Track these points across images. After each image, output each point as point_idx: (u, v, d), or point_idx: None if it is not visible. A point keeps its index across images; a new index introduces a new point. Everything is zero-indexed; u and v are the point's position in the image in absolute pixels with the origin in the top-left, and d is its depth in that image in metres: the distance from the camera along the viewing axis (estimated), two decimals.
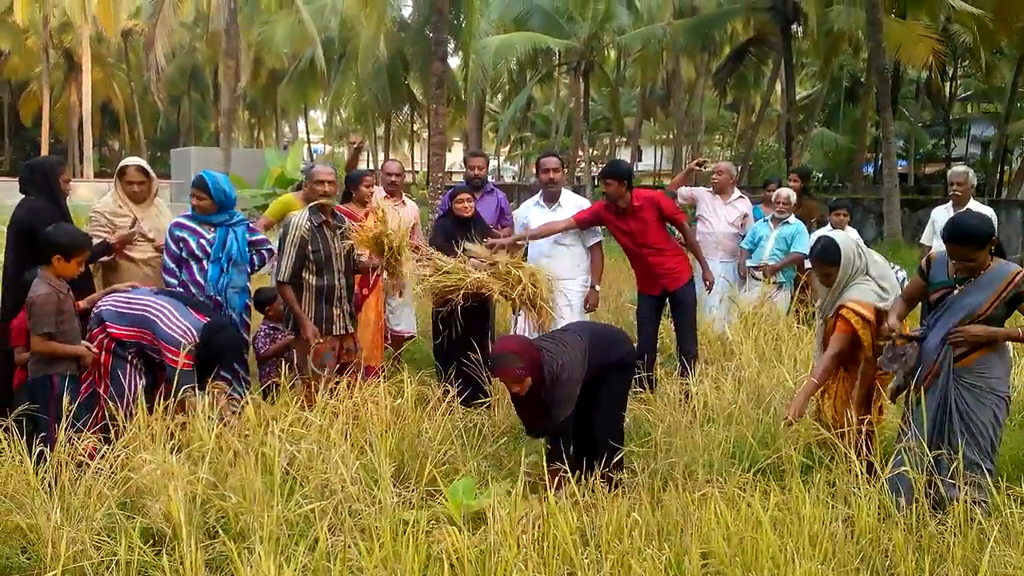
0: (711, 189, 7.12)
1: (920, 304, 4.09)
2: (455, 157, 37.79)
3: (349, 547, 2.94)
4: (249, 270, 5.00)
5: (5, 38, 32.04)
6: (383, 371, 5.30)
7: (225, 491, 3.29)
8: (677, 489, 3.36)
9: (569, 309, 5.58)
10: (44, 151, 30.71)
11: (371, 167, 30.71)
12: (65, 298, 3.90)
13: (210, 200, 4.76)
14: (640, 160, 40.40)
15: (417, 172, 36.90)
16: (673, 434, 4.09)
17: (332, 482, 3.39)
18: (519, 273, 4.98)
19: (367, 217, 5.18)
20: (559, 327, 4.51)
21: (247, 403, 3.90)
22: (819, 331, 4.22)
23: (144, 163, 4.89)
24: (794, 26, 21.32)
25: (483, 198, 6.20)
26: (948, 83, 29.84)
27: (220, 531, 3.13)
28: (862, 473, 3.27)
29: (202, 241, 4.74)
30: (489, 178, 7.00)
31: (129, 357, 4.11)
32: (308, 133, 42.40)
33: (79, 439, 3.53)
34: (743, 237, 7.05)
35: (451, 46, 23.90)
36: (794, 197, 7.09)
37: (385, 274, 5.15)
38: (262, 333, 5.34)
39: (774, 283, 6.77)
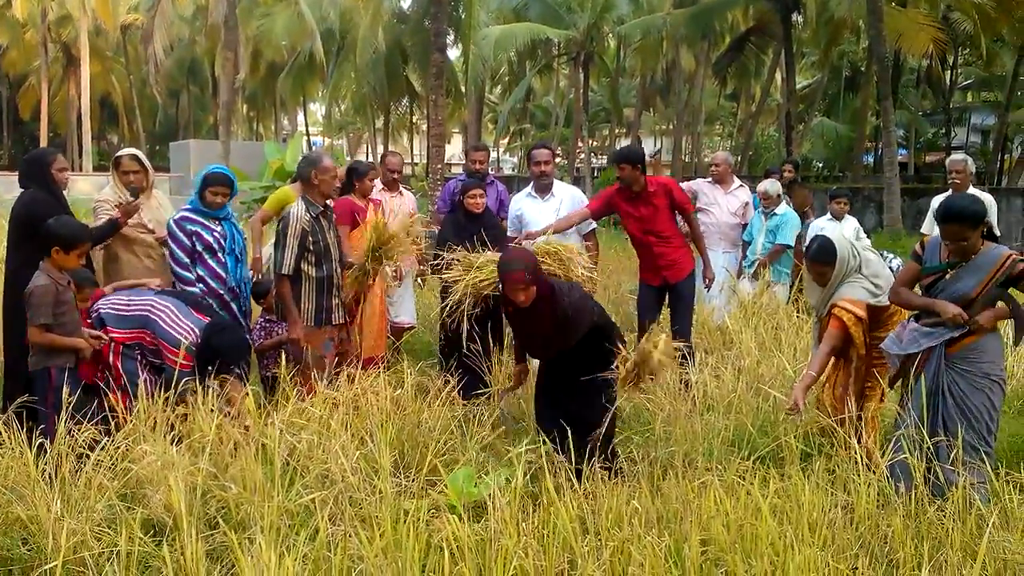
0: (710, 180, 7.11)
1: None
2: (454, 149, 37.73)
3: (350, 536, 2.94)
4: None
5: (4, 32, 32.00)
6: (384, 361, 5.30)
7: (225, 482, 3.29)
8: (677, 477, 3.36)
9: None
10: (43, 145, 30.64)
11: (370, 159, 30.69)
12: (65, 290, 3.89)
13: (229, 196, 4.80)
14: None
15: (416, 164, 36.86)
16: (673, 423, 4.09)
17: (332, 472, 3.40)
18: (547, 249, 4.84)
19: (368, 207, 5.18)
20: None
21: (247, 394, 3.90)
22: (815, 328, 4.27)
23: (139, 152, 4.89)
24: (794, 15, 21.28)
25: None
26: (948, 72, 29.78)
27: (221, 521, 3.13)
28: (861, 460, 3.27)
29: (215, 234, 4.75)
30: (489, 170, 6.99)
31: (138, 357, 4.11)
32: (307, 126, 42.37)
33: (79, 431, 3.53)
34: (745, 227, 7.06)
35: (450, 37, 23.82)
36: (774, 189, 7.05)
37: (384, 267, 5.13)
38: (258, 326, 5.34)
39: (769, 282, 6.78)
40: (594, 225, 5.80)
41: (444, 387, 4.41)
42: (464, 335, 4.92)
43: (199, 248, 4.71)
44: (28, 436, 3.49)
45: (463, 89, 26.79)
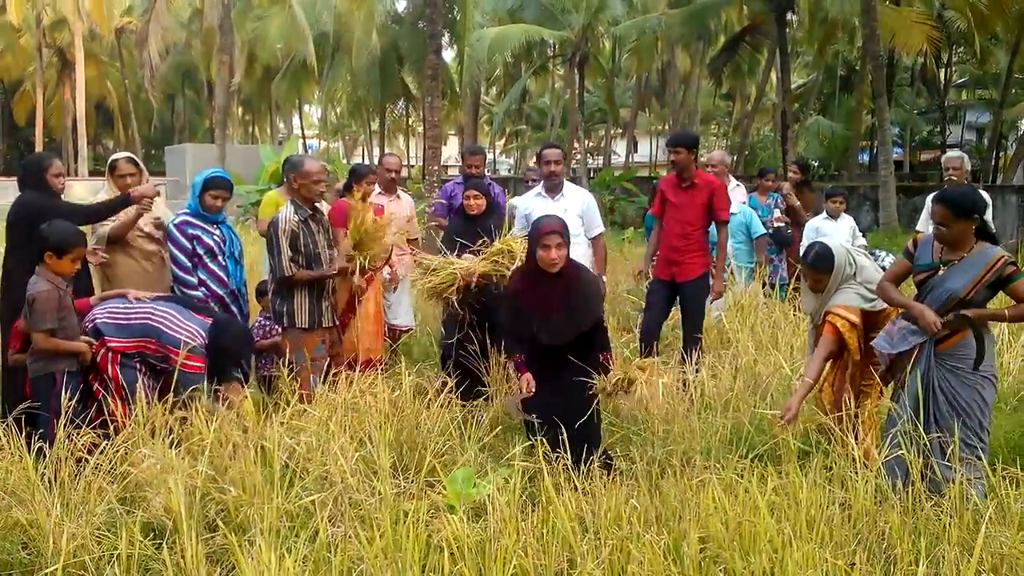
0: None
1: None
2: (450, 151, 37.72)
3: (349, 537, 2.95)
4: None
5: None
6: (381, 364, 5.31)
7: (225, 484, 3.30)
8: (675, 476, 3.37)
9: None
10: (38, 150, 30.61)
11: (367, 162, 30.66)
12: (65, 294, 3.90)
13: (228, 200, 4.82)
14: (636, 151, 40.40)
15: (412, 166, 36.86)
16: (671, 422, 4.10)
17: (331, 474, 3.41)
18: (512, 246, 4.88)
19: (368, 210, 5.17)
20: None
21: (246, 396, 3.91)
22: (810, 333, 4.29)
23: (133, 156, 4.91)
24: (789, 14, 21.29)
25: None
26: (943, 70, 29.85)
27: (220, 524, 3.15)
28: (859, 457, 3.29)
29: (215, 238, 4.78)
30: (486, 172, 7.01)
31: (137, 365, 4.08)
32: (303, 128, 42.31)
33: (78, 435, 3.53)
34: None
35: (445, 39, 23.83)
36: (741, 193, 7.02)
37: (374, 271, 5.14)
38: (257, 325, 5.36)
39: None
40: (601, 228, 5.78)
41: (442, 388, 4.42)
42: (454, 342, 4.96)
43: (200, 252, 4.72)
44: (27, 440, 3.50)
45: (459, 91, 26.80)
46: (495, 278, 4.88)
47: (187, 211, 4.79)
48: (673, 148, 5.56)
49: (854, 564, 2.80)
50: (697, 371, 4.78)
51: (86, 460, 3.42)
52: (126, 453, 3.48)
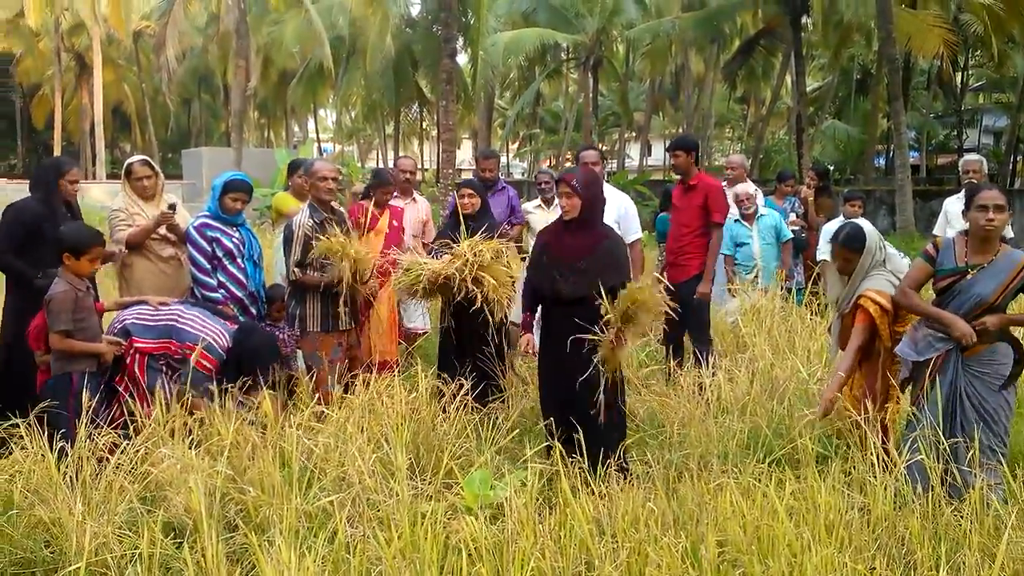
0: (724, 183, 7.10)
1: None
2: (464, 154, 37.77)
3: (368, 538, 2.96)
4: None
5: (18, 41, 32.31)
6: (398, 366, 5.32)
7: (244, 484, 3.32)
8: (692, 479, 3.37)
9: None
10: (56, 153, 30.89)
11: (382, 165, 30.77)
12: (84, 296, 3.93)
13: (247, 202, 4.86)
14: (650, 155, 40.28)
15: (426, 170, 36.95)
16: (687, 426, 4.10)
17: (349, 475, 3.42)
18: (485, 252, 4.62)
19: (384, 215, 5.18)
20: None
21: (263, 399, 3.92)
22: (835, 325, 4.20)
23: (149, 159, 4.95)
24: (804, 18, 21.20)
25: (494, 196, 6.22)
26: (959, 73, 29.62)
27: (240, 524, 3.16)
28: (878, 461, 3.27)
29: (234, 240, 4.80)
30: (500, 176, 7.02)
31: (163, 368, 4.12)
32: (318, 132, 42.51)
33: (99, 435, 3.56)
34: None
35: (459, 43, 23.89)
36: (747, 190, 6.98)
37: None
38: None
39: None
40: (639, 235, 5.64)
41: (458, 391, 4.41)
42: (455, 335, 4.94)
43: (219, 254, 4.74)
44: (48, 440, 3.53)
45: (472, 94, 26.83)
46: (464, 285, 4.50)
47: (207, 213, 4.82)
48: (673, 152, 5.62)
49: (874, 569, 2.79)
50: (713, 375, 4.77)
51: (107, 460, 3.45)
52: (146, 453, 3.51)
